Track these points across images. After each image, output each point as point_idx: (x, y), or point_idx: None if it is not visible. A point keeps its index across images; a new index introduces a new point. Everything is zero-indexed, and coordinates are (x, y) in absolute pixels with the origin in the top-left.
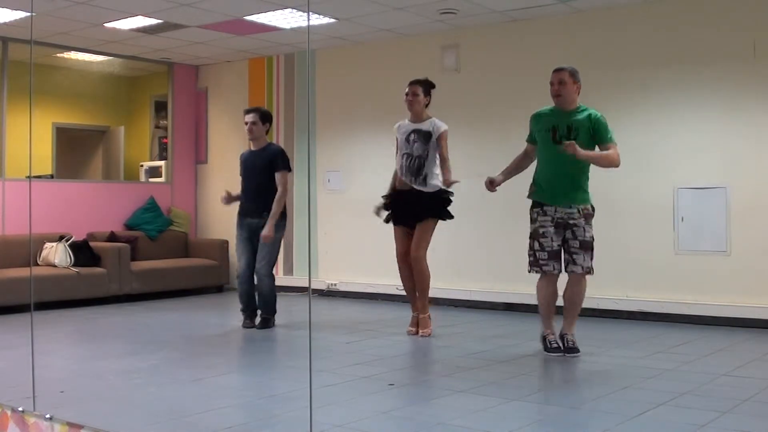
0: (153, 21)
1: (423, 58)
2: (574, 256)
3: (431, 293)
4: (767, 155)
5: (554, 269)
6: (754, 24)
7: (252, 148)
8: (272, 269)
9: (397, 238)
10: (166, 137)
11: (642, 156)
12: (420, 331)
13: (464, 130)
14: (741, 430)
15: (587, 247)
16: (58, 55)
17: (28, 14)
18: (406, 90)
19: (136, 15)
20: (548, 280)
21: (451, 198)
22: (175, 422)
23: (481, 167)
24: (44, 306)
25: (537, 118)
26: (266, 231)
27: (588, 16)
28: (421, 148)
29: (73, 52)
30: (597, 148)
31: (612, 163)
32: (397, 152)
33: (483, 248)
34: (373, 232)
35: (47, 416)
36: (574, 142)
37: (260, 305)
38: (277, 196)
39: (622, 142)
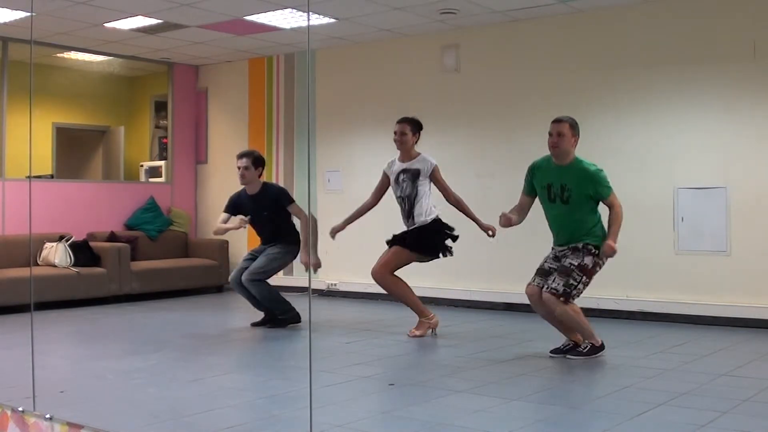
0: (153, 21)
1: (423, 58)
2: (549, 278)
3: (433, 293)
4: (767, 155)
5: (533, 281)
6: (754, 24)
7: (247, 192)
8: (258, 278)
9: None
10: (166, 137)
11: (642, 156)
12: (411, 330)
13: (464, 130)
14: (741, 430)
15: (563, 271)
16: (58, 55)
17: (28, 14)
18: (395, 129)
19: (136, 15)
20: (531, 293)
21: (449, 232)
22: (175, 422)
23: (481, 167)
24: (44, 306)
25: (533, 172)
26: (314, 260)
27: (588, 16)
28: (409, 188)
29: (73, 52)
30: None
31: (622, 214)
32: (375, 189)
33: (483, 248)
34: (373, 233)
35: (47, 416)
36: (611, 245)
37: (268, 307)
38: (302, 226)
39: (622, 142)
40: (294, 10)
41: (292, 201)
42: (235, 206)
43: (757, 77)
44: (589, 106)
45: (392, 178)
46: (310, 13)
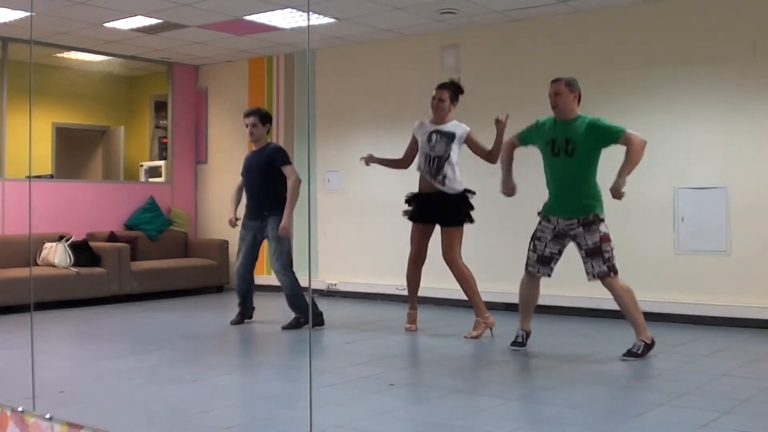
0: (153, 21)
1: (423, 58)
2: (585, 266)
3: (433, 294)
4: (767, 155)
5: (538, 272)
6: (754, 24)
7: (254, 149)
8: (288, 265)
9: (413, 239)
10: (166, 137)
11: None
12: (470, 332)
13: None
14: (741, 430)
15: (592, 252)
16: (58, 55)
17: (28, 14)
18: (433, 94)
19: (136, 15)
20: (529, 280)
21: (471, 200)
22: (175, 422)
23: (481, 167)
24: (44, 306)
25: (539, 128)
26: (284, 223)
27: (588, 16)
28: (442, 149)
29: (73, 52)
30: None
31: (641, 150)
32: (407, 149)
33: (483, 248)
34: (372, 232)
35: (47, 416)
36: (618, 189)
37: (288, 305)
38: (290, 188)
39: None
40: (294, 10)
41: (287, 162)
42: (244, 165)
43: (757, 77)
44: (588, 106)
45: (422, 138)
46: (310, 13)
